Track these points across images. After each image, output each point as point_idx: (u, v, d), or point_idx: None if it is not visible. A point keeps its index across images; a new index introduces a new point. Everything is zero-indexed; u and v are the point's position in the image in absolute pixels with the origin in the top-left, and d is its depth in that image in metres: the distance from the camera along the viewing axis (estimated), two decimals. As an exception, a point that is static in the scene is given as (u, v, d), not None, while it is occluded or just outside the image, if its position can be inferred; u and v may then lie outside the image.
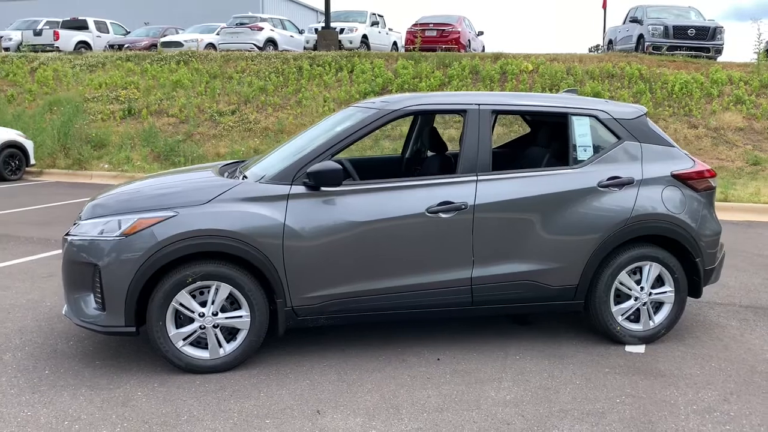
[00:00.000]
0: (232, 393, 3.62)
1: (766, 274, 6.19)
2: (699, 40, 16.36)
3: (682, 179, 4.37)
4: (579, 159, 4.33)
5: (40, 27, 22.90)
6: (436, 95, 4.51)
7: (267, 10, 32.89)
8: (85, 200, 7.20)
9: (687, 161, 4.47)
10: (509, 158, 5.48)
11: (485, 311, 4.20)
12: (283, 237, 3.81)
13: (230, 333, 3.90)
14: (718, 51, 16.64)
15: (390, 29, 22.86)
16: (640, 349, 4.28)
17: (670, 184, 4.34)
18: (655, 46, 16.44)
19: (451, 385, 3.74)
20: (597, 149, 4.36)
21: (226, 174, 4.39)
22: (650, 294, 4.32)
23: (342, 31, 19.75)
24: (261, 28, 20.01)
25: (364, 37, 20.32)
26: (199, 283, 3.77)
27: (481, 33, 22.45)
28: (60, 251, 5.05)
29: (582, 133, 4.36)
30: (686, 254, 4.35)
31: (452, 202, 4.01)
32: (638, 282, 4.31)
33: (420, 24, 19.33)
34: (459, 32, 19.13)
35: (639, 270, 4.31)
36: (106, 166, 13.58)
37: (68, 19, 23.60)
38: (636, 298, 4.31)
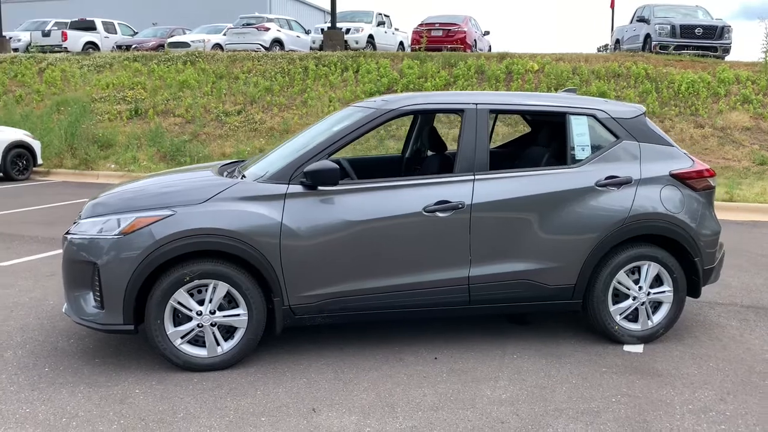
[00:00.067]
0: (228, 391, 3.64)
1: (768, 274, 6.16)
2: (706, 40, 16.27)
3: (680, 179, 4.36)
4: (577, 158, 4.32)
5: (48, 28, 23.06)
6: (434, 95, 4.53)
7: (275, 11, 33.00)
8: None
9: (686, 161, 4.46)
10: (509, 158, 5.48)
11: (483, 310, 4.21)
12: (280, 236, 3.83)
13: (228, 331, 3.92)
14: (726, 50, 16.54)
15: (396, 29, 22.87)
16: (639, 348, 4.28)
17: (668, 183, 4.33)
18: (662, 45, 16.36)
19: (447, 384, 3.75)
20: (595, 149, 4.36)
21: (225, 173, 4.42)
22: (649, 294, 4.31)
23: (348, 31, 19.79)
24: (267, 29, 20.07)
25: (370, 37, 20.35)
26: (196, 282, 3.79)
27: (487, 33, 22.44)
28: (62, 250, 5.09)
29: (580, 132, 4.36)
30: (685, 254, 4.34)
31: (449, 202, 4.02)
32: (637, 281, 4.31)
33: (426, 24, 19.32)
34: (465, 32, 19.11)
35: (637, 269, 4.31)
36: (113, 166, 13.66)
37: (76, 19, 23.77)
38: (634, 298, 4.31)
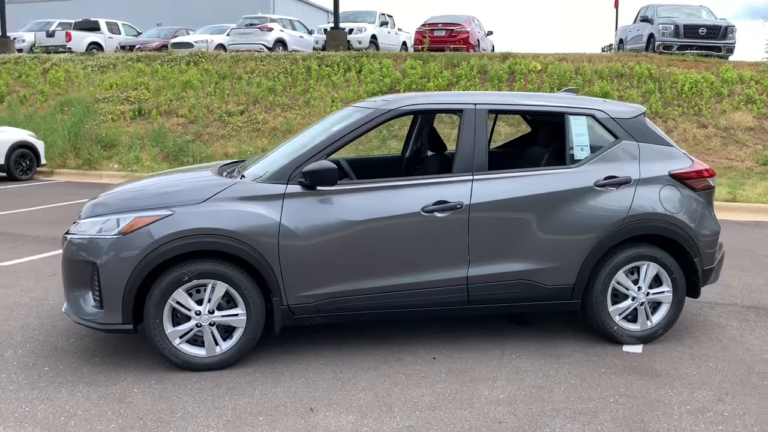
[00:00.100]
0: (227, 390, 3.65)
1: (770, 275, 6.15)
2: (710, 39, 16.23)
3: (680, 179, 4.35)
4: (576, 158, 4.32)
5: (52, 28, 23.14)
6: (434, 95, 4.53)
7: (278, 11, 33.01)
8: (91, 200, 7.25)
9: (685, 161, 4.45)
10: (510, 158, 5.48)
11: (481, 310, 4.21)
12: (278, 236, 3.84)
13: (227, 331, 3.93)
14: (730, 50, 16.49)
15: (399, 29, 22.86)
16: (638, 349, 4.27)
17: (667, 183, 4.32)
18: (666, 45, 16.33)
19: (445, 384, 3.75)
20: (594, 149, 4.36)
21: (224, 173, 4.43)
22: (648, 294, 4.31)
23: (351, 31, 19.79)
24: (270, 29, 20.09)
25: (373, 37, 20.34)
26: (195, 282, 3.80)
27: (490, 33, 22.40)
28: (63, 250, 5.11)
29: (579, 132, 4.36)
30: (684, 254, 4.33)
31: (447, 202, 4.02)
32: (636, 282, 4.30)
33: (429, 24, 19.31)
34: (468, 32, 19.10)
35: (636, 270, 4.30)
36: (116, 166, 13.70)
37: (80, 20, 23.84)
38: (633, 298, 4.30)
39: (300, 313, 3.97)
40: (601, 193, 4.21)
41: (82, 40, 22.29)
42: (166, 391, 3.63)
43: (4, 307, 5.04)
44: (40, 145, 13.19)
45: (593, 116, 4.39)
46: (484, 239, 4.08)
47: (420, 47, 18.35)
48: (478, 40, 20.32)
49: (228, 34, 21.27)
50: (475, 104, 4.27)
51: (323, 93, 15.56)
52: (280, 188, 3.93)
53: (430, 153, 5.39)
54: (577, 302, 4.27)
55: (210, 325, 3.86)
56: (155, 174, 4.95)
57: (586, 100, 4.58)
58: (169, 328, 3.82)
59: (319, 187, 3.93)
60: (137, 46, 21.75)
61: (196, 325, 3.85)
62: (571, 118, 4.38)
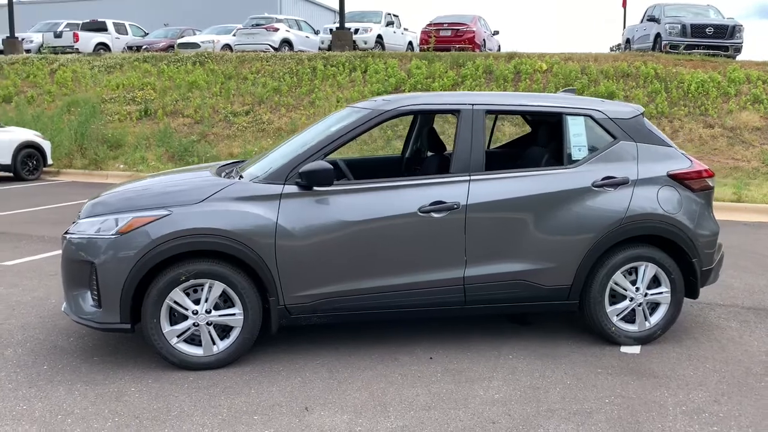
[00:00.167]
0: (223, 389, 3.67)
1: (772, 276, 6.12)
2: (717, 39, 16.13)
3: (678, 179, 4.34)
4: (574, 159, 4.32)
5: (60, 29, 23.29)
6: (432, 95, 4.54)
7: (285, 11, 33.10)
8: (95, 199, 7.30)
9: (684, 161, 4.43)
10: (510, 158, 5.48)
11: (478, 311, 4.21)
12: (275, 236, 3.86)
13: (224, 330, 3.95)
14: (737, 50, 16.39)
15: (405, 29, 22.87)
16: (635, 350, 4.26)
17: (666, 184, 4.31)
18: (672, 44, 16.25)
19: (441, 384, 3.76)
20: (592, 149, 4.35)
21: (223, 174, 4.45)
22: (646, 294, 4.30)
23: (357, 31, 19.82)
24: (277, 29, 20.15)
25: (379, 37, 20.36)
26: (192, 281, 3.82)
27: (496, 32, 22.38)
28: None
29: (577, 132, 4.35)
30: (683, 255, 4.32)
31: (444, 202, 4.03)
32: (634, 282, 4.29)
33: (434, 24, 19.31)
34: (474, 32, 19.08)
35: (635, 270, 4.29)
36: (122, 166, 13.78)
37: (88, 21, 23.98)
38: (631, 299, 4.29)
39: (297, 313, 3.99)
40: (598, 194, 4.21)
41: (89, 40, 22.42)
42: (163, 390, 3.65)
43: (6, 306, 5.09)
44: (46, 145, 13.28)
45: (591, 116, 4.38)
46: (481, 239, 4.08)
47: (426, 47, 18.35)
48: (483, 39, 20.30)
49: (234, 35, 21.34)
50: (473, 105, 4.27)
51: (328, 93, 15.58)
52: (277, 188, 3.95)
53: (429, 153, 5.39)
54: (575, 303, 4.27)
55: (207, 324, 3.89)
56: (154, 174, 4.98)
57: (584, 100, 4.58)
58: (166, 328, 3.84)
59: (315, 188, 3.95)
60: (144, 47, 21.86)
61: (194, 324, 3.87)
62: (569, 118, 4.37)
